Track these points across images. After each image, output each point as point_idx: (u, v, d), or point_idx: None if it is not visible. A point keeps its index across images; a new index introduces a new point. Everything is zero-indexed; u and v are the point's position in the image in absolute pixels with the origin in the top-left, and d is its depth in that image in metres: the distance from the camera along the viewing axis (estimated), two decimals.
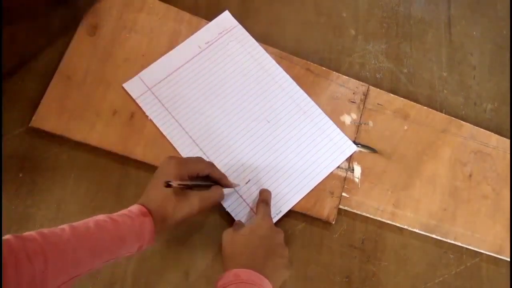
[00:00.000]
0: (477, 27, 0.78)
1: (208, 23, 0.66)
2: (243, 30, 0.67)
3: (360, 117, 0.66)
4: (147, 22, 0.65)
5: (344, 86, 0.67)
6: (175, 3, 0.66)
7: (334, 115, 0.64)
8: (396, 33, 0.74)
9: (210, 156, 0.59)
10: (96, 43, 0.63)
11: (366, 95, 0.67)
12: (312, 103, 0.64)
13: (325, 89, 0.66)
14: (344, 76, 0.67)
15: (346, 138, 0.63)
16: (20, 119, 0.59)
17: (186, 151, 0.59)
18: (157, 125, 0.60)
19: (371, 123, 0.66)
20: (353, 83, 0.67)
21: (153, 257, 0.57)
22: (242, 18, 0.70)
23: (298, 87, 0.64)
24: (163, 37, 0.65)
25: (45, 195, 0.57)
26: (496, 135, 0.69)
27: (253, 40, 0.66)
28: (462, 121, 0.69)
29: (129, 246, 0.46)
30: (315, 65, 0.67)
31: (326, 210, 0.60)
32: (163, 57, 0.63)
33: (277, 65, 0.65)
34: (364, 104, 0.66)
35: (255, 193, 0.59)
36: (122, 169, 0.60)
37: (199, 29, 0.66)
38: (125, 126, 0.60)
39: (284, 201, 0.59)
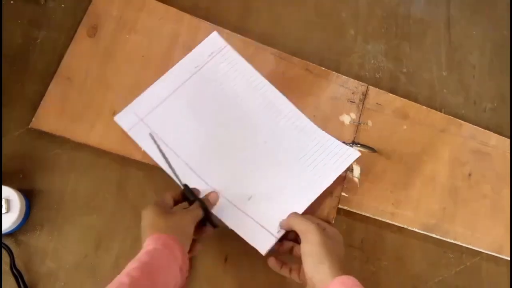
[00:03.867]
0: (476, 27, 0.78)
1: (207, 23, 0.66)
2: (233, 50, 0.63)
3: (359, 117, 0.66)
4: (147, 23, 0.65)
5: (344, 86, 0.67)
6: (174, 4, 0.67)
7: (333, 115, 0.64)
8: (395, 33, 0.75)
9: (209, 181, 0.57)
10: (96, 44, 0.63)
11: (365, 95, 0.67)
12: (306, 119, 0.62)
13: (325, 89, 0.66)
14: (343, 76, 0.67)
15: (346, 147, 0.61)
16: (20, 120, 0.59)
17: (183, 179, 0.56)
18: (151, 156, 0.57)
19: (370, 123, 0.66)
20: (352, 83, 0.67)
21: None
22: (242, 18, 0.70)
23: (291, 105, 0.63)
24: (163, 38, 0.65)
25: (45, 196, 0.57)
26: (496, 134, 0.69)
27: (244, 61, 0.63)
28: (461, 121, 0.69)
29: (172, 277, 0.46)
30: (315, 65, 0.67)
31: (326, 210, 0.60)
32: (153, 85, 0.61)
33: (269, 83, 0.63)
34: (363, 104, 0.66)
35: (260, 207, 0.57)
36: (122, 169, 0.60)
37: (199, 29, 0.66)
38: None
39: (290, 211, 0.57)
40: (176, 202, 0.53)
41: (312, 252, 0.48)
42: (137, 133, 0.58)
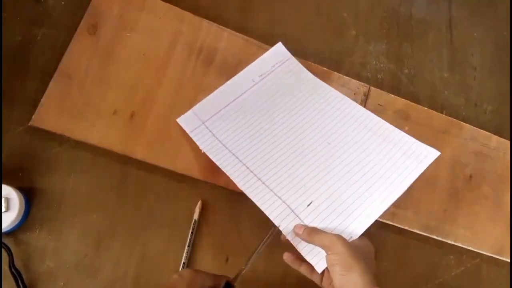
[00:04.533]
0: (478, 28, 0.78)
1: (208, 22, 0.66)
2: (297, 62, 0.65)
3: None
4: (148, 22, 0.65)
5: (345, 86, 0.67)
6: (176, 2, 0.66)
7: None
8: (397, 34, 0.74)
9: (270, 184, 0.55)
10: (96, 42, 0.63)
11: (367, 95, 0.67)
12: (377, 118, 0.60)
13: None
14: (345, 77, 0.67)
15: (424, 145, 0.57)
16: (20, 118, 0.59)
17: (243, 181, 0.55)
18: (212, 158, 0.57)
19: None
20: (354, 83, 0.67)
21: (153, 257, 0.57)
22: (243, 17, 0.70)
23: (359, 107, 0.62)
24: (164, 36, 0.64)
25: (45, 195, 0.57)
26: (497, 136, 0.69)
27: (307, 72, 0.65)
28: (462, 122, 0.69)
29: None
30: (316, 65, 0.67)
31: None
32: (216, 91, 0.62)
33: (334, 90, 0.63)
34: (365, 104, 0.66)
35: (319, 217, 0.53)
36: (122, 169, 0.60)
37: (200, 28, 0.66)
38: (126, 125, 0.60)
39: (356, 224, 0.53)
40: None
41: (339, 261, 0.45)
42: (198, 135, 0.59)
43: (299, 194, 0.55)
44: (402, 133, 0.59)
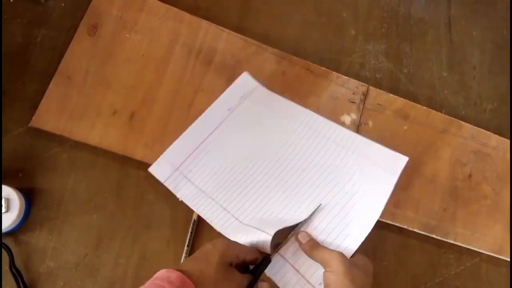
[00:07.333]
0: (477, 27, 0.78)
1: (207, 22, 0.66)
2: (266, 90, 0.62)
3: (360, 117, 0.66)
4: (147, 22, 0.65)
5: (344, 86, 0.67)
6: (175, 3, 0.66)
7: (333, 115, 0.64)
8: (396, 33, 0.74)
9: (255, 225, 0.53)
10: (96, 43, 0.63)
11: (366, 95, 0.67)
12: (349, 133, 0.58)
13: (325, 89, 0.66)
14: (344, 76, 0.67)
15: (392, 152, 0.56)
16: (20, 119, 0.59)
17: (225, 226, 0.53)
18: (190, 206, 0.55)
19: (371, 123, 0.66)
20: (353, 83, 0.67)
21: (153, 257, 0.57)
22: (242, 18, 0.70)
23: (332, 122, 0.59)
24: (163, 37, 0.65)
25: (45, 195, 0.57)
26: (496, 135, 0.69)
27: (278, 97, 0.62)
28: (462, 122, 0.69)
29: None
30: (315, 65, 0.67)
31: None
32: (185, 133, 0.59)
33: (305, 109, 0.61)
34: (364, 104, 0.66)
35: (300, 251, 0.51)
36: (122, 169, 0.60)
37: (200, 29, 0.66)
38: (125, 126, 0.60)
39: (345, 245, 0.51)
40: (241, 261, 0.46)
41: (335, 282, 0.44)
42: (173, 183, 0.57)
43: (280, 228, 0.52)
44: (371, 142, 0.57)
